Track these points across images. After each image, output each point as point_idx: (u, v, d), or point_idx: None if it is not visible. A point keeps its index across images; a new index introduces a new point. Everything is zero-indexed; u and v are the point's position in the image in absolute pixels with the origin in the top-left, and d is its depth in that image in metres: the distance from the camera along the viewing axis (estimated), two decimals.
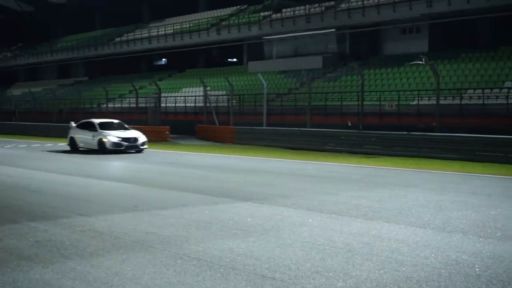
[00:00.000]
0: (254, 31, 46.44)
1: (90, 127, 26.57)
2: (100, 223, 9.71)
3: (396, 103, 30.95)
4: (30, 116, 52.48)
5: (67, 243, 8.32)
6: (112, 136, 25.49)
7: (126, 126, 27.62)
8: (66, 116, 50.57)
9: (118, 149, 25.18)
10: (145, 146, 26.07)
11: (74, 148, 27.16)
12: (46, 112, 53.66)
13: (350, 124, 29.21)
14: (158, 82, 46.37)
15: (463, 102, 28.86)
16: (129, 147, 25.48)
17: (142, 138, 26.10)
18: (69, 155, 25.36)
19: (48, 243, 8.34)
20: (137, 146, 25.75)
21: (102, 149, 25.31)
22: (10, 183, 15.22)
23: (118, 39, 60.74)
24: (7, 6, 75.88)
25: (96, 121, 27.21)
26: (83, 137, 26.70)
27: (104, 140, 25.35)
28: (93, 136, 25.85)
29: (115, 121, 28.23)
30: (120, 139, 25.47)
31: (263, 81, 33.25)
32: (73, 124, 28.16)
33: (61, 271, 6.93)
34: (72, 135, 27.47)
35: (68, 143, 27.71)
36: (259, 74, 36.65)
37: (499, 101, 27.90)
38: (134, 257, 7.53)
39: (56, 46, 68.99)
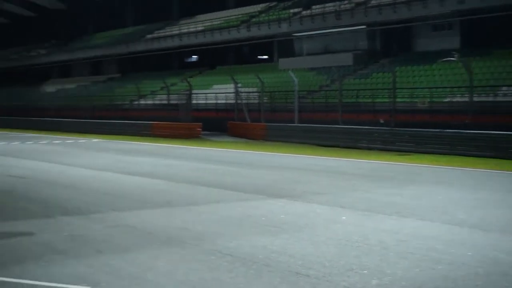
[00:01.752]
0: (284, 28, 46.27)
1: None
2: (133, 219, 9.74)
3: (429, 100, 30.61)
4: (64, 112, 52.94)
5: (101, 238, 8.36)
6: None
7: None
8: (98, 112, 51.02)
9: None
10: None
11: None
12: (79, 109, 54.10)
13: (382, 122, 28.96)
14: (189, 79, 46.44)
15: (497, 99, 28.44)
16: None
17: None
18: (103, 150, 25.49)
19: (81, 237, 8.40)
20: None
21: None
22: (44, 178, 15.35)
23: (149, 36, 60.97)
24: (39, 4, 76.67)
25: None
26: None
27: None
28: None
29: None
30: None
31: (294, 78, 33.13)
32: None
33: (95, 266, 6.97)
34: None
35: None
36: (289, 71, 36.53)
37: None
38: (168, 253, 7.54)
39: (88, 43, 69.52)
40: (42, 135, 39.51)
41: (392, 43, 42.26)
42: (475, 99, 26.87)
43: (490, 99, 28.60)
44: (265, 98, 36.83)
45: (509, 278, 6.42)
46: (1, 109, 63.08)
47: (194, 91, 40.74)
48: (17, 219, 9.72)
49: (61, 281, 6.39)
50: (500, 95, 28.72)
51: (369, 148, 25.58)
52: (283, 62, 46.06)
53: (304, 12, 46.00)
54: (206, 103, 44.00)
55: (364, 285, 6.23)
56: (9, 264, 7.02)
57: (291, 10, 47.85)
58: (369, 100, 33.38)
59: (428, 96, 30.93)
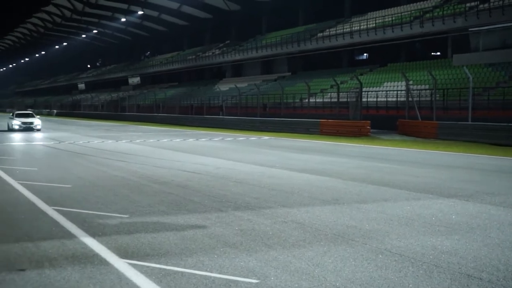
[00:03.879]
0: (459, 22, 44.74)
1: None
2: (302, 215, 9.84)
3: None
4: (236, 110, 54.61)
5: (270, 233, 8.52)
6: None
7: None
8: (269, 110, 52.14)
9: None
10: None
11: None
12: (250, 107, 55.57)
13: None
14: (359, 77, 46.24)
15: None
16: None
17: None
18: (272, 147, 25.97)
19: (252, 232, 8.60)
20: None
21: None
22: (216, 174, 15.88)
23: (320, 34, 61.32)
24: (216, 5, 79.54)
25: None
26: None
27: None
28: None
29: None
30: None
31: (469, 74, 31.98)
32: None
33: (264, 260, 7.11)
34: None
35: None
36: (464, 67, 35.33)
37: None
38: (335, 250, 7.54)
39: (260, 42, 71.09)
40: (215, 132, 41.01)
41: None
42: None
43: None
44: (437, 95, 35.88)
45: None
46: (179, 108, 66.18)
47: (364, 89, 40.51)
48: (192, 212, 10.13)
49: (231, 273, 6.59)
50: None
51: None
52: (458, 58, 44.53)
53: (481, 6, 44.24)
54: (376, 101, 43.60)
55: None
56: (184, 255, 7.34)
57: (467, 4, 46.16)
58: None
59: None
